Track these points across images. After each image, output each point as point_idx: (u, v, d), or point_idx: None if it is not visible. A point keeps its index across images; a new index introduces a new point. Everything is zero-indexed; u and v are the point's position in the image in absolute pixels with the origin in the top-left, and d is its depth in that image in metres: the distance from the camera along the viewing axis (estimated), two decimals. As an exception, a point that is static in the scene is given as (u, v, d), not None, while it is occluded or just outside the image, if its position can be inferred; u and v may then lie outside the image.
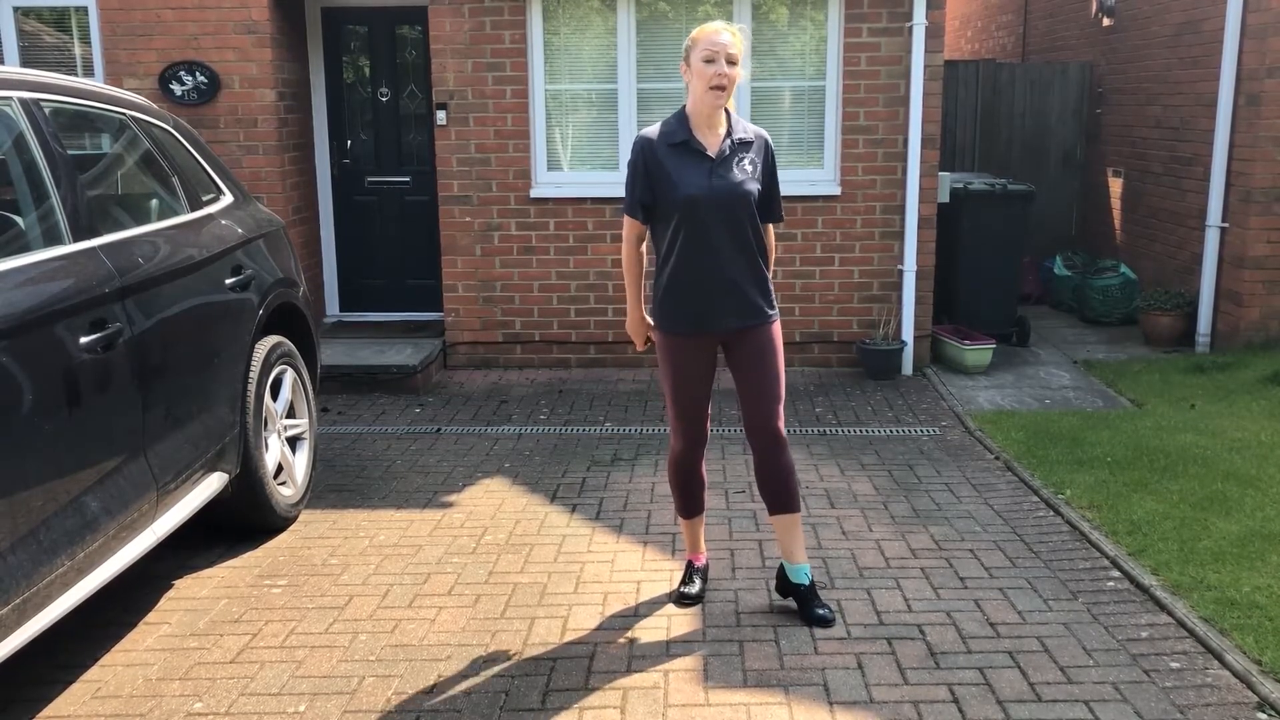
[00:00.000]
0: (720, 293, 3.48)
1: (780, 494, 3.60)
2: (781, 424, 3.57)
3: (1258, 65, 7.03)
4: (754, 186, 3.47)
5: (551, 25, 7.23)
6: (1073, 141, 9.87)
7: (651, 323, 3.66)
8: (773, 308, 3.58)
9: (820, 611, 3.61)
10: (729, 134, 3.48)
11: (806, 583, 3.67)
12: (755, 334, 3.54)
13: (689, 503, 3.79)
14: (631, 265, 3.63)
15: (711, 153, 3.45)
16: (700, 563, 3.90)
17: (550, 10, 7.20)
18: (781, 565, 3.72)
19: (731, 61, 3.37)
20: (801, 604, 3.65)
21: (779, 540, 3.69)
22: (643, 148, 3.47)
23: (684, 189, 3.39)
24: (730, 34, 3.39)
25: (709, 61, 3.36)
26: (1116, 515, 4.52)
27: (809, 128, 7.32)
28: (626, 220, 3.58)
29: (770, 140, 3.61)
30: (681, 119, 3.49)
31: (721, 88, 3.37)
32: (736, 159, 3.47)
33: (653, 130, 3.51)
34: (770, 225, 3.66)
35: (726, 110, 3.51)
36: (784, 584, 3.72)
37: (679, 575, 3.99)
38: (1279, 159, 7.06)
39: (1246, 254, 7.18)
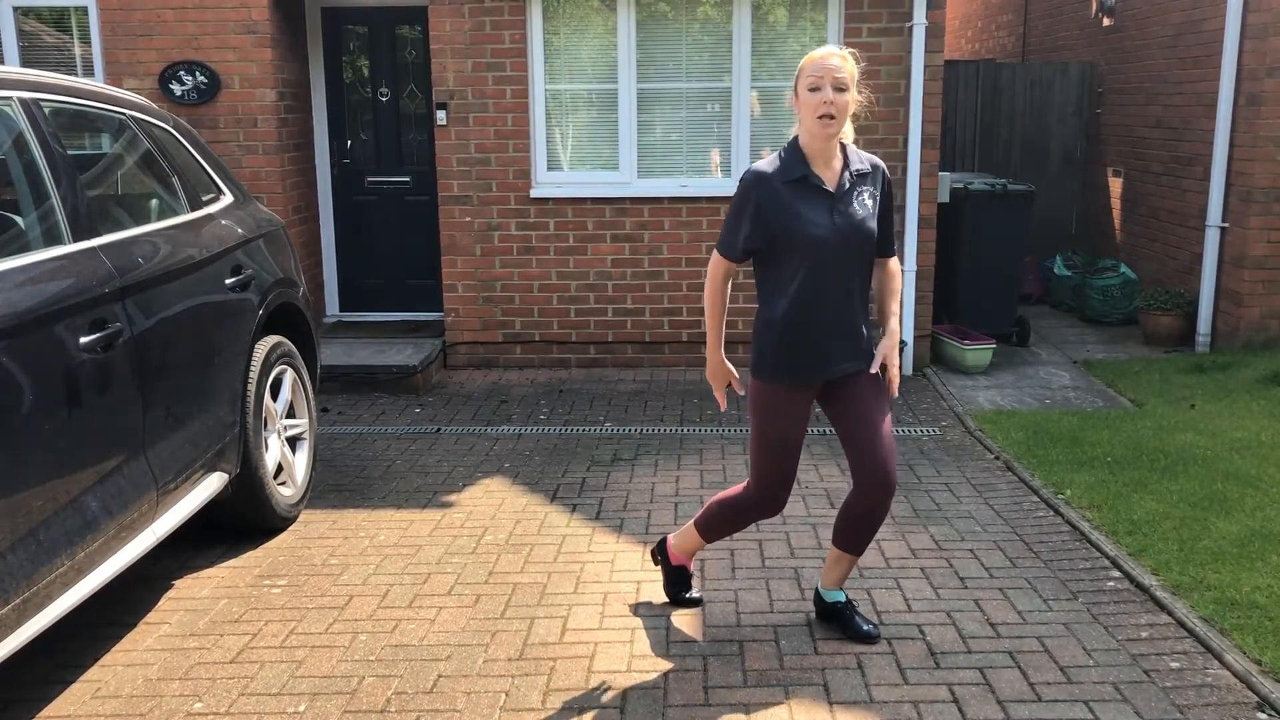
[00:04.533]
0: (839, 337, 3.26)
1: (863, 540, 3.44)
2: (896, 472, 3.32)
3: (1258, 65, 7.03)
4: (875, 224, 3.24)
5: (551, 25, 7.23)
6: (1073, 141, 9.88)
7: (734, 371, 3.42)
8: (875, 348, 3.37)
9: (867, 628, 3.53)
10: (845, 166, 3.21)
11: (844, 599, 3.61)
12: (864, 376, 3.32)
13: (723, 536, 3.71)
14: (718, 305, 3.34)
15: (831, 188, 3.18)
16: (692, 569, 3.87)
17: (550, 10, 7.20)
18: (817, 589, 3.67)
19: (840, 88, 3.08)
20: (845, 623, 3.57)
21: (827, 568, 3.59)
22: (756, 184, 3.18)
23: (807, 229, 3.13)
24: (839, 58, 3.10)
25: (814, 89, 3.08)
26: (1116, 515, 4.52)
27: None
28: (719, 259, 3.28)
29: (886, 169, 3.35)
30: (795, 153, 3.19)
31: (830, 116, 3.08)
32: (856, 193, 3.21)
33: (764, 165, 3.21)
34: (888, 260, 3.39)
35: (840, 140, 3.21)
36: (823, 607, 3.64)
37: (679, 575, 3.98)
38: (1279, 159, 7.06)
39: (1246, 254, 7.18)
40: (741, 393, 3.37)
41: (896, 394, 3.37)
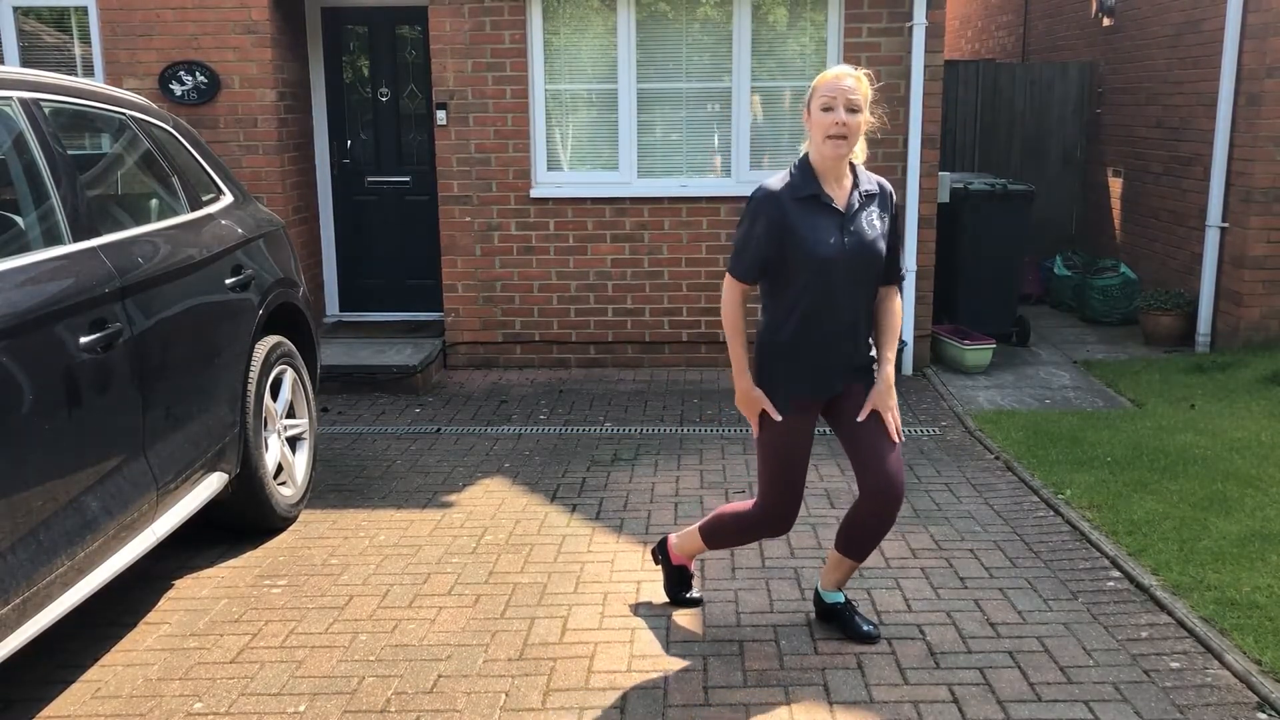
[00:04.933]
0: (844, 354, 3.26)
1: (866, 547, 3.43)
2: (903, 483, 3.31)
3: (1258, 65, 7.03)
4: (883, 245, 3.23)
5: (551, 25, 7.23)
6: (1073, 141, 9.88)
7: (765, 398, 3.28)
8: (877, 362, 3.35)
9: (866, 628, 3.53)
10: (855, 185, 3.23)
11: (844, 600, 3.61)
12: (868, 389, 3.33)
13: (727, 547, 3.69)
14: (738, 328, 3.27)
15: (840, 206, 3.19)
16: (693, 569, 3.87)
17: (550, 10, 7.20)
18: (817, 590, 3.67)
19: (853, 109, 3.10)
20: (845, 624, 3.57)
21: (827, 570, 3.59)
22: (766, 202, 3.17)
23: (816, 248, 3.13)
24: (853, 79, 3.12)
25: (827, 109, 3.10)
26: (1116, 515, 4.52)
27: (809, 128, 7.33)
28: (732, 282, 3.25)
29: (894, 192, 3.35)
30: (805, 170, 3.20)
31: (842, 137, 3.10)
32: (865, 213, 3.22)
33: (774, 183, 3.20)
34: (893, 294, 3.35)
35: (851, 160, 3.24)
36: (823, 608, 3.64)
37: (679, 575, 3.98)
38: (1279, 159, 7.06)
39: (1246, 254, 7.18)
40: (778, 418, 3.26)
41: (899, 439, 3.33)
